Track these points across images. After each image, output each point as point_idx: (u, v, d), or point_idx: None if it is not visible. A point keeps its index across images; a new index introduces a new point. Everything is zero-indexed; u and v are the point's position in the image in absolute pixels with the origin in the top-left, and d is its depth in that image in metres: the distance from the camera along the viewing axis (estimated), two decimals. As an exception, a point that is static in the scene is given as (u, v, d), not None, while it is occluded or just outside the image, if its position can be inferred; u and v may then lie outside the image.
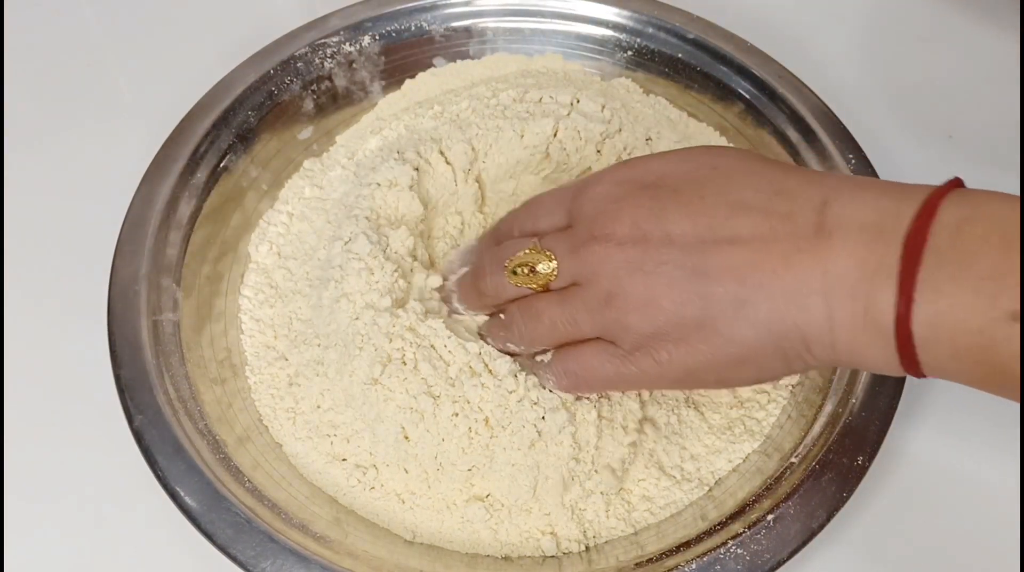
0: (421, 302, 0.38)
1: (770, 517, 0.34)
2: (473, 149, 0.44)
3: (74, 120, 0.52)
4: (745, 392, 0.41)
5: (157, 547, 0.38)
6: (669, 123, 0.49)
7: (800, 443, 0.37)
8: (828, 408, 0.38)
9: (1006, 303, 0.26)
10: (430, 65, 0.51)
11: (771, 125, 0.47)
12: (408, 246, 0.40)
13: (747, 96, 0.48)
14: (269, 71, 0.47)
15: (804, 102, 0.46)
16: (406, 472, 0.37)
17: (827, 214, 0.30)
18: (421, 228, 0.43)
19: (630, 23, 0.50)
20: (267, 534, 0.33)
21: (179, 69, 0.54)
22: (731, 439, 0.39)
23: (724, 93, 0.49)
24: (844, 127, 0.45)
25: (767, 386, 0.40)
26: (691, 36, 0.49)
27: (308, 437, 0.39)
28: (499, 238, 0.38)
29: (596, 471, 0.36)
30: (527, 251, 0.35)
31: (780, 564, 0.33)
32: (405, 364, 0.36)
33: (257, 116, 0.46)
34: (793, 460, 0.36)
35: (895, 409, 0.37)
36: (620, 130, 0.45)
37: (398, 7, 0.50)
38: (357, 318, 0.37)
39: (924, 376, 0.29)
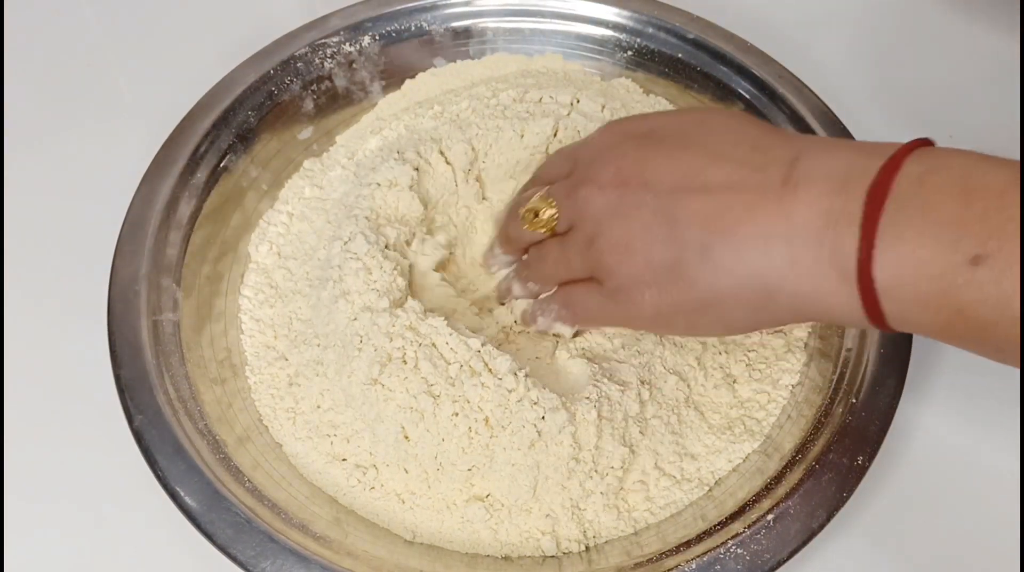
0: (422, 296, 0.39)
1: (770, 517, 0.34)
2: (473, 149, 0.44)
3: (74, 120, 0.52)
4: (745, 392, 0.41)
5: (157, 547, 0.38)
6: (669, 123, 0.49)
7: (800, 443, 0.37)
8: (828, 408, 0.38)
9: (966, 248, 0.27)
10: (430, 65, 0.51)
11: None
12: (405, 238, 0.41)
13: (747, 96, 0.48)
14: (269, 71, 0.47)
15: (804, 102, 0.46)
16: (406, 472, 0.37)
17: (796, 167, 0.31)
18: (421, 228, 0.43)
19: (630, 23, 0.50)
20: (267, 534, 0.33)
21: (179, 69, 0.54)
22: (731, 439, 0.39)
23: (724, 93, 0.49)
24: (844, 127, 0.45)
25: (767, 386, 0.40)
26: (691, 36, 0.49)
27: (308, 437, 0.39)
28: (526, 190, 0.41)
29: (596, 471, 0.36)
30: (534, 199, 0.38)
31: (780, 564, 0.33)
32: (406, 363, 0.36)
33: (257, 116, 0.46)
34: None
35: (895, 409, 0.37)
36: (620, 130, 0.45)
37: (398, 7, 0.50)
38: (355, 318, 0.37)
39: (890, 328, 0.30)
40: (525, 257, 0.41)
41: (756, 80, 0.48)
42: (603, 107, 0.45)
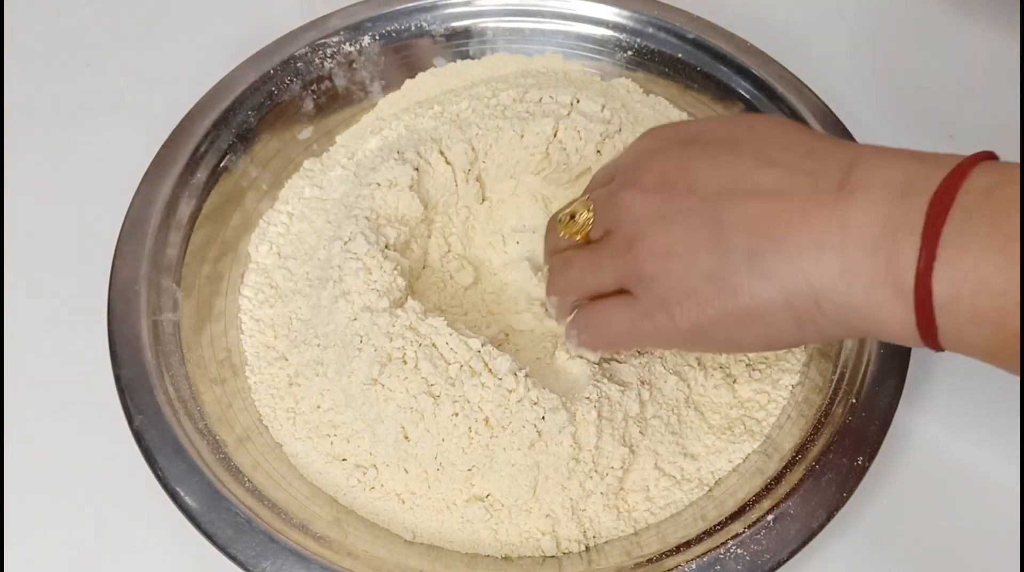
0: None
1: (770, 517, 0.34)
2: (473, 149, 0.44)
3: (74, 120, 0.52)
4: (745, 392, 0.41)
5: (157, 547, 0.38)
6: (669, 123, 0.49)
7: (800, 443, 0.37)
8: (828, 408, 0.38)
9: None
10: (430, 65, 0.51)
11: (771, 125, 0.47)
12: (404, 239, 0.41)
13: (747, 96, 0.48)
14: (269, 71, 0.47)
15: (804, 102, 0.46)
16: (406, 472, 0.37)
17: (852, 173, 0.29)
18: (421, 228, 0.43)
19: (630, 23, 0.50)
20: (267, 534, 0.33)
21: (179, 69, 0.54)
22: (731, 439, 0.39)
23: (724, 93, 0.49)
24: (844, 127, 0.45)
25: (767, 386, 0.40)
26: (691, 36, 0.49)
27: (308, 437, 0.39)
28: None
29: (596, 471, 0.36)
30: (573, 203, 0.37)
31: (780, 564, 0.33)
32: (405, 363, 0.36)
33: (257, 116, 0.46)
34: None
35: (895, 409, 0.37)
36: (620, 130, 0.45)
37: (398, 7, 0.50)
38: (355, 318, 0.37)
39: (939, 347, 0.28)
40: (547, 267, 0.39)
41: (756, 80, 0.48)
42: (603, 107, 0.45)
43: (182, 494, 0.34)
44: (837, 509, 0.34)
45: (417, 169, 0.43)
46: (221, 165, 0.44)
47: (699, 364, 0.40)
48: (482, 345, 0.37)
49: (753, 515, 0.35)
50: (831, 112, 0.46)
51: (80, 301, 0.43)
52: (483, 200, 0.45)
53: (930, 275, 0.27)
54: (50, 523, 0.38)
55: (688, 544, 0.35)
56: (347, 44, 0.49)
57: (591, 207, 0.35)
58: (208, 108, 0.45)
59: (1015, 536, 0.39)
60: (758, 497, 0.36)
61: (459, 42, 0.51)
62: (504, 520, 0.36)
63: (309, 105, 0.48)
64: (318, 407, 0.39)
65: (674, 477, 0.38)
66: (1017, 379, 0.41)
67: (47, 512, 0.39)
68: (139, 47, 0.56)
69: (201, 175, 0.43)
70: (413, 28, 0.50)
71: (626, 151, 0.37)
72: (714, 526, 0.35)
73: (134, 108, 0.53)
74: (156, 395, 0.36)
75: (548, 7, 0.51)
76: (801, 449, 0.37)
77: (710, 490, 0.38)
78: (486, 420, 0.35)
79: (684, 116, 0.50)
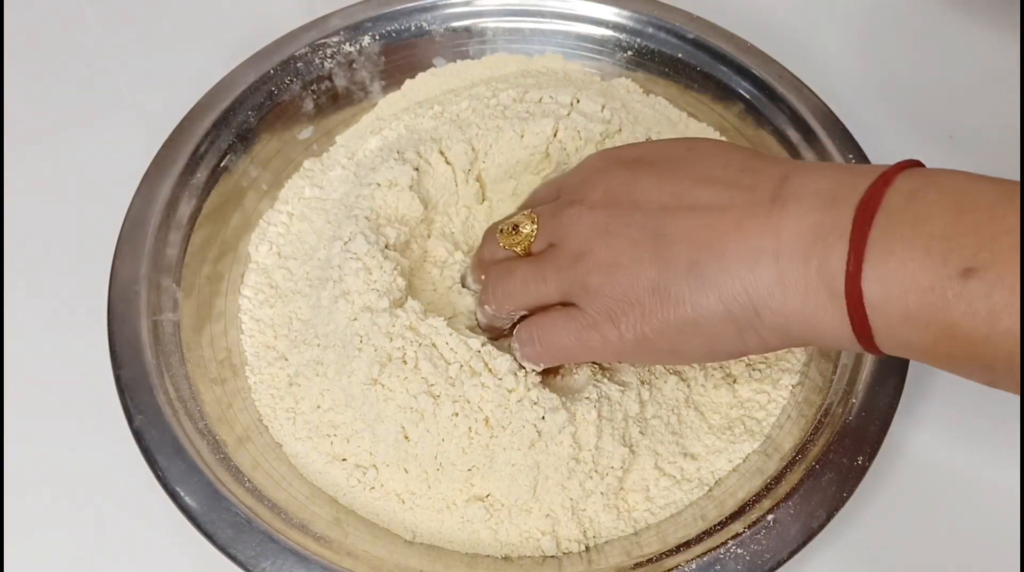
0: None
1: (770, 517, 0.34)
2: (473, 149, 0.44)
3: (74, 120, 0.52)
4: (745, 392, 0.41)
5: (157, 547, 0.38)
6: (669, 123, 0.49)
7: (800, 443, 0.37)
8: (828, 408, 0.38)
9: (957, 261, 0.26)
10: (430, 65, 0.51)
11: (771, 125, 0.47)
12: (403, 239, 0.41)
13: (747, 96, 0.48)
14: (269, 71, 0.47)
15: (804, 102, 0.46)
16: (406, 472, 0.37)
17: (785, 186, 0.31)
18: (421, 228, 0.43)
19: (630, 23, 0.50)
20: (267, 534, 0.33)
21: (179, 69, 0.54)
22: (731, 439, 0.39)
23: (724, 93, 0.49)
24: (844, 127, 0.45)
25: (767, 386, 0.40)
26: (691, 36, 0.49)
27: (308, 437, 0.39)
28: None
29: (596, 471, 0.36)
30: (514, 215, 0.38)
31: (780, 564, 0.33)
32: (406, 363, 0.36)
33: (257, 116, 0.46)
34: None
35: (895, 409, 0.37)
36: (620, 130, 0.45)
37: (398, 7, 0.50)
38: (355, 319, 0.37)
39: (877, 349, 0.29)
40: (484, 277, 0.39)
41: (756, 80, 0.48)
42: (603, 107, 0.45)
43: (182, 494, 0.34)
44: (837, 509, 0.34)
45: (417, 169, 0.43)
46: (221, 165, 0.44)
47: (699, 364, 0.40)
48: (482, 345, 0.37)
49: (753, 515, 0.35)
50: (831, 112, 0.46)
51: (80, 301, 0.43)
52: (483, 200, 0.45)
53: (859, 277, 0.28)
54: (50, 523, 0.38)
55: (688, 544, 0.35)
56: (347, 44, 0.49)
57: (535, 219, 0.37)
58: (208, 108, 0.45)
59: (1015, 535, 0.39)
60: (758, 497, 0.36)
61: (459, 42, 0.51)
62: (504, 520, 0.36)
63: (309, 105, 0.48)
64: (318, 407, 0.39)
65: (674, 477, 0.38)
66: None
67: (47, 512, 0.39)
68: (139, 47, 0.56)
69: (201, 175, 0.43)
70: (413, 28, 0.50)
71: (572, 170, 0.38)
72: (714, 526, 0.35)
73: (134, 108, 0.53)
74: (156, 395, 0.36)
75: (548, 7, 0.51)
76: (801, 449, 0.37)
77: (710, 490, 0.38)
78: (486, 420, 0.35)
79: (684, 116, 0.50)
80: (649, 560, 0.34)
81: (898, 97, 0.55)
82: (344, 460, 0.38)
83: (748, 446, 0.39)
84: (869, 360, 0.38)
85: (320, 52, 0.48)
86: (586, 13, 0.51)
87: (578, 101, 0.46)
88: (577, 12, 0.51)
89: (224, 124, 0.45)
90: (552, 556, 0.36)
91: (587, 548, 0.37)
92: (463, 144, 0.43)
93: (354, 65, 0.49)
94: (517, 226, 0.37)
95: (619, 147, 0.38)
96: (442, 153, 0.44)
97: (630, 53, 0.51)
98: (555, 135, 0.44)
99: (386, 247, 0.40)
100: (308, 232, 0.45)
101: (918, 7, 0.59)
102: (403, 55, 0.50)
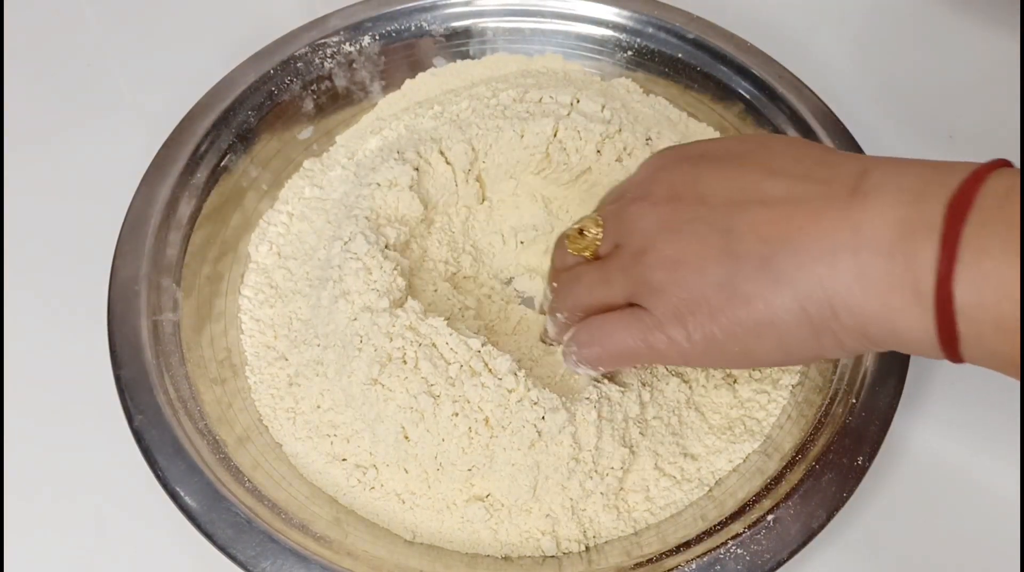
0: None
1: (770, 517, 0.34)
2: (473, 149, 0.44)
3: (74, 120, 0.52)
4: (745, 392, 0.41)
5: (157, 547, 0.38)
6: (669, 123, 0.49)
7: (800, 443, 0.37)
8: (828, 408, 0.38)
9: None
10: (430, 65, 0.51)
11: (771, 125, 0.47)
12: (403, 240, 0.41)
13: (747, 96, 0.48)
14: (269, 71, 0.47)
15: (804, 102, 0.46)
16: (406, 472, 0.37)
17: (865, 180, 0.29)
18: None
19: (630, 23, 0.50)
20: (267, 534, 0.33)
21: (179, 69, 0.54)
22: (731, 439, 0.39)
23: (724, 93, 0.49)
24: (844, 127, 0.45)
25: (767, 386, 0.40)
26: (691, 36, 0.49)
27: (308, 437, 0.39)
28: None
29: (596, 471, 0.36)
30: (582, 219, 0.36)
31: (780, 564, 0.33)
32: (405, 363, 0.36)
33: (257, 116, 0.46)
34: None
35: (895, 409, 0.37)
36: (620, 130, 0.45)
37: (398, 7, 0.50)
38: (355, 319, 0.37)
39: (958, 357, 0.27)
40: (555, 284, 0.38)
41: (756, 80, 0.48)
42: (603, 107, 0.45)
43: (182, 494, 0.34)
44: (837, 509, 0.34)
45: (417, 169, 0.43)
46: (221, 165, 0.44)
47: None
48: (482, 345, 0.37)
49: (753, 515, 0.35)
50: (831, 112, 0.46)
51: (80, 301, 0.43)
52: (483, 200, 0.45)
53: (951, 278, 0.26)
54: (50, 523, 0.38)
55: (688, 544, 0.35)
56: (347, 44, 0.49)
57: (600, 222, 0.35)
58: (208, 108, 0.45)
59: (1015, 535, 0.39)
60: (758, 497, 0.36)
61: (459, 42, 0.51)
62: (504, 520, 0.36)
63: (309, 105, 0.48)
64: (318, 407, 0.39)
65: (674, 477, 0.38)
66: (1016, 382, 0.41)
67: (47, 512, 0.39)
68: (139, 47, 0.56)
69: (201, 175, 0.43)
70: (413, 28, 0.50)
71: (638, 169, 0.37)
72: (714, 526, 0.35)
73: (134, 108, 0.53)
74: (156, 395, 0.36)
75: (548, 7, 0.51)
76: (801, 449, 0.37)
77: (710, 490, 0.38)
78: (486, 420, 0.35)
79: (684, 116, 0.50)
80: (649, 560, 0.34)
81: (898, 97, 0.55)
82: (344, 460, 0.38)
83: (748, 446, 0.39)
84: (869, 360, 0.38)
85: (320, 52, 0.48)
86: (586, 13, 0.51)
87: (578, 101, 0.46)
88: (577, 12, 0.51)
89: (224, 124, 0.45)
90: (552, 556, 0.36)
91: (587, 548, 0.37)
92: (463, 144, 0.43)
93: (354, 65, 0.49)
94: (582, 230, 0.36)
95: (685, 144, 0.36)
96: (442, 153, 0.44)
97: (630, 53, 0.51)
98: (555, 135, 0.44)
99: (386, 247, 0.40)
100: (308, 232, 0.45)
101: (918, 7, 0.59)
102: (403, 55, 0.50)
